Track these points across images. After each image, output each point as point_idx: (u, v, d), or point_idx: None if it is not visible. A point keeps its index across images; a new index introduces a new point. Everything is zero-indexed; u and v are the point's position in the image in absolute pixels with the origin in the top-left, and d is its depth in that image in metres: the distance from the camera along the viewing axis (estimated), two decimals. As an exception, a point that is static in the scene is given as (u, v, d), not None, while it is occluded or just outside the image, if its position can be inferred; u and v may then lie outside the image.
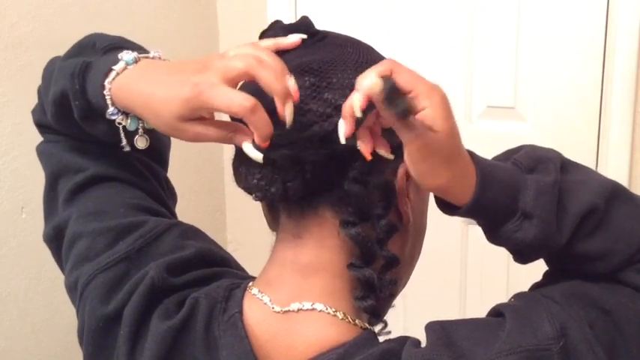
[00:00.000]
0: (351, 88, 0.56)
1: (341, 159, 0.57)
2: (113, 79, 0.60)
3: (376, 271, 0.59)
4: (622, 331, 0.56)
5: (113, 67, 0.60)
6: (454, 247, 1.82)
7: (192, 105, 0.54)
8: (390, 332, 0.63)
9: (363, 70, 0.58)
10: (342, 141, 0.54)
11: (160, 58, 0.63)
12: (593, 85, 1.62)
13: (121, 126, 0.62)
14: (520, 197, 0.56)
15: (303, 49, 0.61)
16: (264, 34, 0.63)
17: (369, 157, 0.55)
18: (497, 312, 0.58)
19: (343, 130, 0.53)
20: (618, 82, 1.56)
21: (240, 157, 0.60)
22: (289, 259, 0.61)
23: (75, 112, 0.65)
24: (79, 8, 1.49)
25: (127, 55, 0.61)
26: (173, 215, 0.76)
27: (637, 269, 0.59)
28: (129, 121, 0.62)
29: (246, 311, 0.60)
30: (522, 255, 0.59)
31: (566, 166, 0.60)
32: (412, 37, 1.79)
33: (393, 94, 0.50)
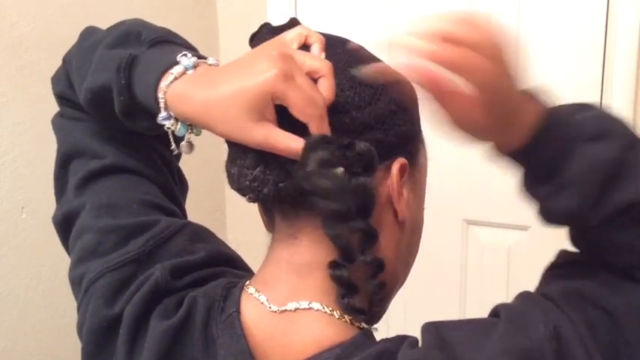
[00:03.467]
0: (341, 88, 0.57)
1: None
2: (171, 82, 0.57)
3: (364, 275, 0.58)
4: (624, 332, 0.55)
5: (171, 72, 0.58)
6: (454, 247, 1.82)
7: (264, 97, 0.52)
8: (376, 329, 0.63)
9: (353, 70, 0.58)
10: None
11: (217, 65, 0.60)
12: (593, 85, 1.62)
13: (170, 131, 0.60)
14: (569, 164, 0.54)
15: None
16: (253, 37, 0.63)
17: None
18: (496, 312, 0.58)
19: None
20: (618, 82, 1.56)
21: (232, 159, 0.59)
22: (285, 259, 0.61)
23: (117, 106, 0.63)
24: (79, 8, 1.49)
25: (186, 60, 0.58)
26: (182, 210, 0.75)
27: None
28: (179, 126, 0.59)
29: (243, 310, 0.60)
30: (547, 218, 0.58)
31: (636, 144, 0.56)
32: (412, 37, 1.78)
33: None
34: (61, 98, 0.74)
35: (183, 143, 0.62)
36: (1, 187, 1.34)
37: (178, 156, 0.65)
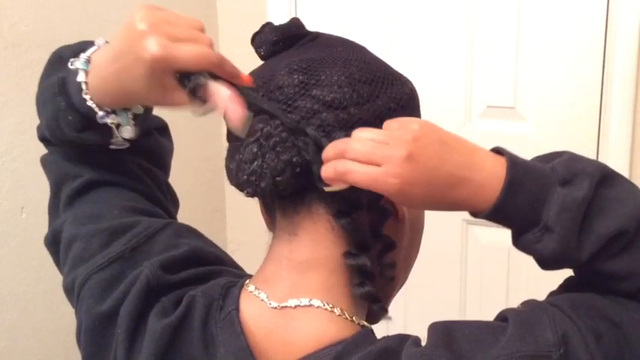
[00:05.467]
0: (339, 84, 0.57)
1: None
2: (86, 88, 0.61)
3: (373, 257, 0.60)
4: (631, 346, 0.56)
5: (77, 79, 0.61)
6: (454, 247, 1.82)
7: (158, 64, 0.54)
8: (390, 318, 0.63)
9: (352, 67, 0.59)
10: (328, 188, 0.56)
11: (106, 42, 0.63)
12: (593, 85, 1.62)
13: (114, 126, 0.63)
14: (544, 210, 0.56)
15: (294, 49, 0.62)
16: (255, 36, 0.63)
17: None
18: (503, 317, 0.58)
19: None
20: (618, 82, 1.56)
21: (231, 155, 0.60)
22: (285, 256, 0.61)
23: (72, 127, 0.64)
24: (79, 8, 1.49)
25: (77, 62, 0.61)
26: (170, 214, 0.76)
27: None
28: (119, 118, 0.62)
29: (243, 308, 0.61)
30: (543, 264, 0.59)
31: (607, 178, 0.58)
32: (412, 37, 1.79)
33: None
34: (43, 141, 0.75)
35: (122, 127, 0.64)
36: (1, 187, 1.34)
37: (138, 154, 0.68)
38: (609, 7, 1.57)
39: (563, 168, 0.57)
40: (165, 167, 0.79)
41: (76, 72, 0.62)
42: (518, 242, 0.59)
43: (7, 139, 1.35)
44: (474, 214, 0.58)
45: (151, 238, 0.66)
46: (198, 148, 1.92)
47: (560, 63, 1.64)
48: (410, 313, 1.82)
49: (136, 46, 0.54)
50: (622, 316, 0.57)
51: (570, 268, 0.60)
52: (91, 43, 0.65)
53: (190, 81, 0.54)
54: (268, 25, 0.63)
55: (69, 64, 0.62)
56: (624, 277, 0.57)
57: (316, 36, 0.63)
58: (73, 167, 0.71)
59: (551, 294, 0.64)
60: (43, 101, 0.68)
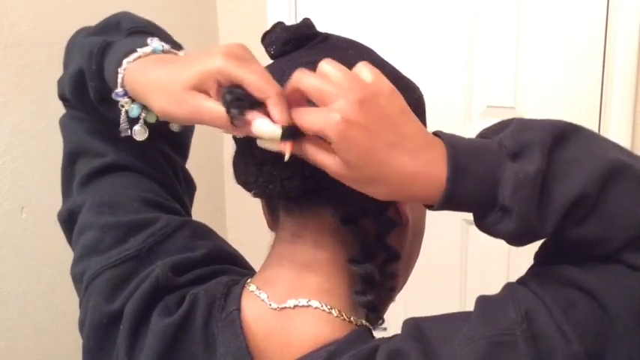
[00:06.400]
0: None
1: None
2: (134, 60, 0.58)
3: (377, 266, 0.60)
4: (608, 311, 0.53)
5: (137, 49, 0.58)
6: (454, 247, 1.82)
7: (207, 71, 0.51)
8: (385, 329, 0.63)
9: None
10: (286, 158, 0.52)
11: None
12: (593, 85, 1.62)
13: (123, 109, 0.60)
14: (498, 190, 0.52)
15: (304, 50, 0.61)
16: (266, 36, 0.63)
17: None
18: (475, 303, 0.58)
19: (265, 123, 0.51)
20: (618, 82, 1.56)
21: (240, 153, 0.60)
22: (287, 257, 0.61)
23: (91, 93, 0.63)
24: (79, 8, 1.49)
25: (156, 43, 0.59)
26: (187, 209, 0.75)
27: (634, 248, 0.55)
28: (133, 106, 0.60)
29: (244, 308, 0.61)
30: (510, 243, 0.57)
31: (561, 139, 0.54)
32: (412, 37, 1.79)
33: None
34: (62, 99, 0.74)
35: (136, 127, 0.61)
36: (1, 187, 1.34)
37: (161, 139, 0.66)
38: (609, 7, 1.57)
39: (511, 140, 0.53)
40: (185, 150, 0.78)
41: (139, 43, 0.59)
42: (479, 225, 0.56)
43: (7, 139, 1.35)
44: (428, 206, 0.55)
45: (168, 238, 0.66)
46: (198, 148, 1.91)
47: (560, 63, 1.64)
48: (410, 313, 1.81)
49: (209, 51, 0.53)
50: (592, 283, 0.54)
51: (536, 241, 0.57)
52: (161, 31, 0.65)
53: (234, 98, 0.51)
54: (280, 24, 0.63)
55: (148, 40, 0.59)
56: (593, 242, 0.54)
57: (326, 37, 0.63)
58: (95, 143, 0.70)
59: (528, 271, 0.62)
60: (73, 55, 0.65)
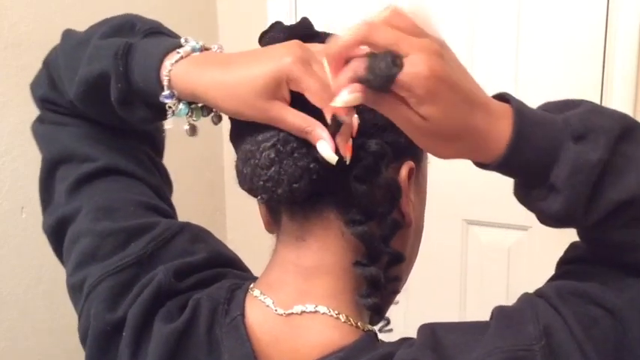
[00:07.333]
0: None
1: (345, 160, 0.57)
2: (176, 61, 0.58)
3: (380, 269, 0.59)
4: (628, 330, 0.53)
5: (178, 51, 0.58)
6: (454, 247, 1.82)
7: (278, 78, 0.53)
8: (392, 330, 0.63)
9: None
10: (332, 162, 0.53)
11: (221, 50, 0.61)
12: (593, 85, 1.62)
13: (170, 110, 0.60)
14: (553, 169, 0.51)
15: None
16: (264, 35, 0.63)
17: (348, 160, 0.54)
18: (492, 315, 0.57)
19: (327, 148, 0.53)
20: (618, 82, 1.56)
21: (244, 159, 0.59)
22: (292, 261, 0.61)
23: (114, 94, 0.62)
24: (79, 8, 1.49)
25: (193, 42, 0.59)
26: (174, 210, 0.75)
27: None
28: (180, 106, 0.59)
29: (248, 314, 0.60)
30: (543, 221, 0.56)
31: (629, 132, 0.52)
32: (412, 37, 1.78)
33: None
34: (43, 102, 0.72)
35: (186, 127, 0.62)
36: (1, 187, 1.34)
37: (161, 144, 0.65)
38: (609, 7, 1.57)
39: (578, 122, 0.52)
40: (163, 150, 0.78)
41: (174, 44, 0.59)
42: (520, 195, 0.55)
43: (7, 139, 1.35)
44: (482, 165, 0.55)
45: (168, 242, 0.65)
46: (198, 148, 1.92)
47: (560, 63, 1.64)
48: (410, 313, 1.82)
49: (268, 52, 0.54)
50: (616, 302, 0.53)
51: (572, 228, 0.57)
52: (169, 30, 0.65)
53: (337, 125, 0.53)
54: (278, 24, 0.63)
55: (182, 40, 0.60)
56: (632, 249, 0.54)
57: (325, 37, 0.62)
58: (83, 148, 0.69)
59: (551, 279, 0.62)
60: (90, 57, 0.64)
